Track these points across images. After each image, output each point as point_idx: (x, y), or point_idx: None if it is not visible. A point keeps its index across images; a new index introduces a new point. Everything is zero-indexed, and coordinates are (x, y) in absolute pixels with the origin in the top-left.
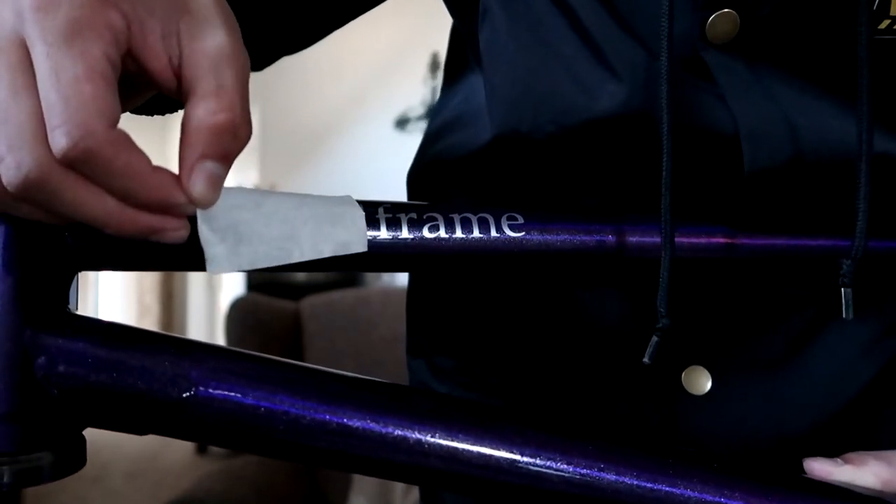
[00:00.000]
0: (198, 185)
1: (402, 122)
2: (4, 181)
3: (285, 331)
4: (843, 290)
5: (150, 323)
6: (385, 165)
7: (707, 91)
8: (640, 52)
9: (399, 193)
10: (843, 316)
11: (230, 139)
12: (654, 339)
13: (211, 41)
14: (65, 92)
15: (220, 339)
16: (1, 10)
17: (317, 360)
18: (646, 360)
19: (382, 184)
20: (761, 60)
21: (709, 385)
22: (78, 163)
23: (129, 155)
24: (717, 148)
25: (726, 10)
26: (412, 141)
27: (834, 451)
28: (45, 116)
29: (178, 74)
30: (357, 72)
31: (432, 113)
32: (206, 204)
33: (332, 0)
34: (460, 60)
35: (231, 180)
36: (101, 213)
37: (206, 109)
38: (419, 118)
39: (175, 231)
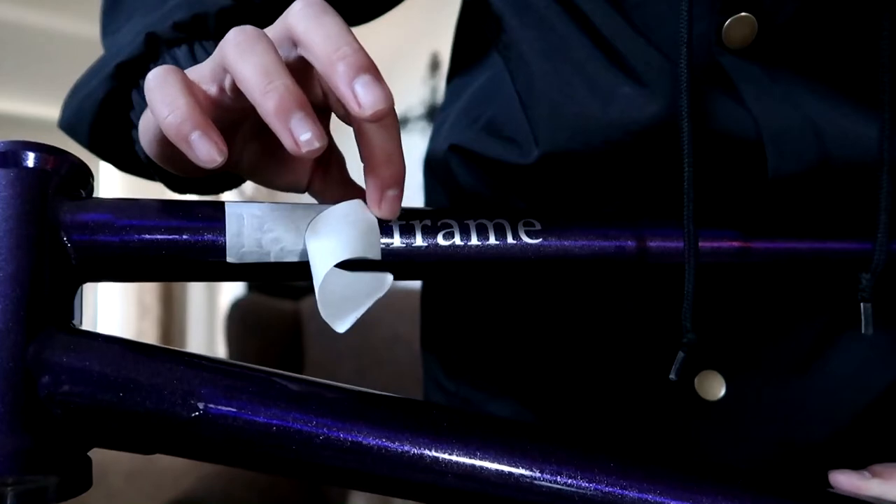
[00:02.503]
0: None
1: (401, 122)
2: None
3: (285, 331)
4: (862, 304)
5: (151, 323)
6: None
7: (727, 95)
8: (655, 55)
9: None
10: (863, 332)
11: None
12: (681, 354)
13: None
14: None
15: (220, 339)
16: None
17: (317, 361)
18: (672, 376)
19: None
20: (780, 65)
21: (723, 391)
22: None
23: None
24: (738, 152)
25: (743, 14)
26: (412, 141)
27: (854, 459)
28: None
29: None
30: None
31: (444, 100)
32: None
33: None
34: (474, 45)
35: None
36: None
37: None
38: (419, 118)
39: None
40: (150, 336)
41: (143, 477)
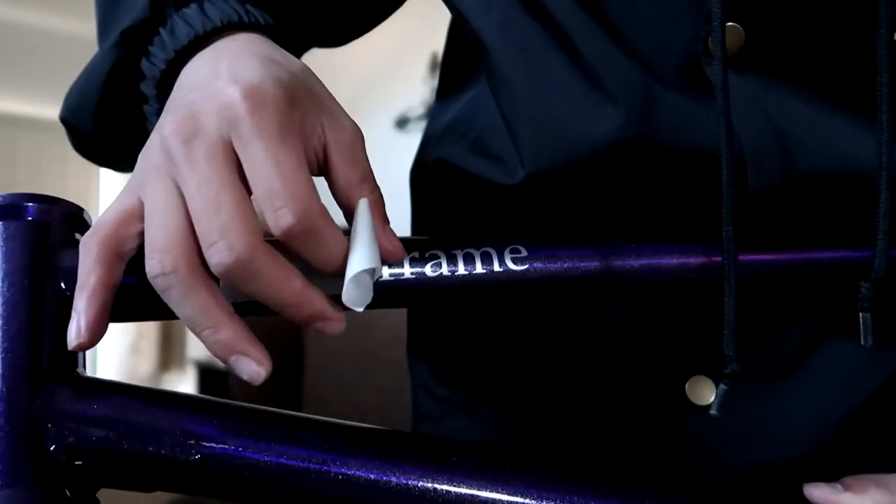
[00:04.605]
0: (395, 245)
1: (402, 122)
2: (213, 262)
3: (285, 331)
4: (861, 314)
5: (149, 324)
6: (385, 165)
7: (711, 108)
8: (637, 72)
9: (399, 193)
10: (862, 343)
11: (383, 205)
12: (722, 387)
13: (346, 131)
14: (286, 177)
15: None
16: (206, 121)
17: (317, 361)
18: (714, 412)
19: (382, 184)
20: (766, 74)
21: (713, 395)
22: (299, 238)
23: (335, 228)
24: (720, 167)
25: (731, 23)
26: (412, 141)
27: (842, 464)
28: (265, 202)
29: (319, 157)
30: (357, 72)
31: (434, 111)
32: (402, 254)
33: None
34: (463, 58)
35: None
36: (289, 293)
37: (366, 193)
38: (419, 118)
39: (337, 322)
40: (150, 335)
41: None
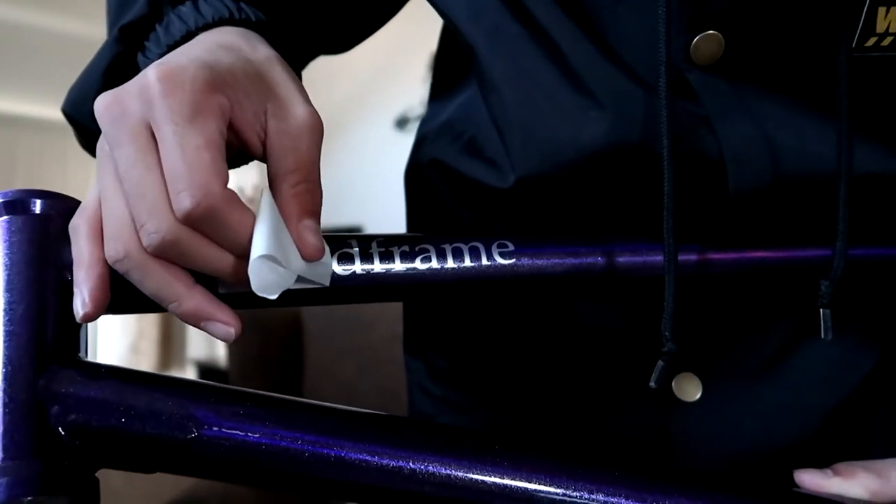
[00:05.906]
0: (308, 241)
1: (401, 122)
2: (146, 243)
3: (285, 330)
4: (822, 310)
5: (150, 323)
6: (385, 165)
7: (692, 116)
8: (621, 78)
9: (399, 192)
10: (823, 337)
11: (311, 199)
12: (661, 363)
13: (292, 119)
14: (189, 160)
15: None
16: (129, 103)
17: (317, 360)
18: (652, 384)
19: (382, 183)
20: (746, 80)
21: (699, 392)
22: (199, 221)
23: (241, 211)
24: (702, 171)
25: (711, 31)
26: (412, 141)
27: (828, 454)
28: (169, 184)
29: (265, 144)
30: (357, 72)
31: (427, 112)
32: (318, 253)
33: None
34: (457, 59)
35: (232, 182)
36: (223, 265)
37: (289, 184)
38: (419, 118)
39: None
40: (150, 335)
41: (143, 476)
